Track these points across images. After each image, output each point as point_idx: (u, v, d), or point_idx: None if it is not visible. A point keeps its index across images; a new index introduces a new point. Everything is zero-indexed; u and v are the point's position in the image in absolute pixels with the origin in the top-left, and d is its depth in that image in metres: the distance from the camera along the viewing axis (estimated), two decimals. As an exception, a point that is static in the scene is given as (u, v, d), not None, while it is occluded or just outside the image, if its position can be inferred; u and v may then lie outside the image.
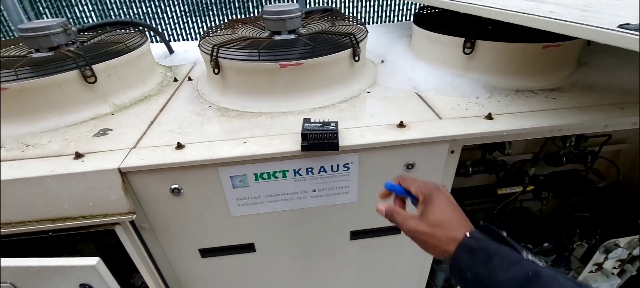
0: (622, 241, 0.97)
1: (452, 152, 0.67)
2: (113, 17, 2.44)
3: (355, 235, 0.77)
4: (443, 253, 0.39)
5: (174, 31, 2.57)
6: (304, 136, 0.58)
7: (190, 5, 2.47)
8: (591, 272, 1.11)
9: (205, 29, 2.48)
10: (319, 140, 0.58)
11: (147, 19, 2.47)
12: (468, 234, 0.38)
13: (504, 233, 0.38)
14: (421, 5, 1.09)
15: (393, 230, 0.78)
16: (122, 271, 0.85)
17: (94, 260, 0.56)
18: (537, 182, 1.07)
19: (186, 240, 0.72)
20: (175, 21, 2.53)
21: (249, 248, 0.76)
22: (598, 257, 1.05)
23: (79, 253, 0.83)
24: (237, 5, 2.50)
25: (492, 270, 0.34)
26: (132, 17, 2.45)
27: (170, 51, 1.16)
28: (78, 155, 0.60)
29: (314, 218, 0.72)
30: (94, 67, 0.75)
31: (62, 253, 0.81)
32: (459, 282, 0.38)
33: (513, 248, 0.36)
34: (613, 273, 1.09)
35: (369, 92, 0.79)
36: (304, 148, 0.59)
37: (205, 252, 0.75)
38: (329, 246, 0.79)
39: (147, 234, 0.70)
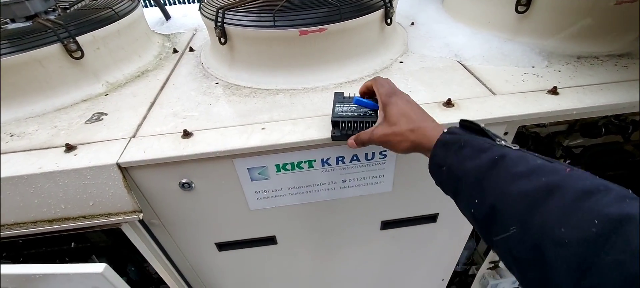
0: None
1: (506, 133, 0.57)
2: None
3: (387, 225, 0.70)
4: (410, 145, 0.40)
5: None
6: (336, 124, 0.48)
7: None
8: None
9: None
10: (355, 129, 0.48)
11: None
12: (445, 130, 0.38)
13: (483, 126, 0.36)
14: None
15: (428, 219, 0.70)
16: (137, 255, 0.81)
17: (101, 267, 0.49)
18: (571, 154, 0.98)
19: (201, 235, 0.66)
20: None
21: (270, 240, 0.69)
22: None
23: (87, 240, 0.78)
24: None
25: (462, 159, 0.34)
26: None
27: (167, 17, 1.02)
28: (69, 148, 0.51)
29: (342, 209, 0.65)
30: (79, 39, 0.63)
31: (70, 242, 0.75)
32: (437, 180, 0.38)
33: (489, 137, 0.35)
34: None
35: (402, 62, 0.68)
36: (335, 138, 0.49)
37: (223, 246, 0.69)
38: (356, 237, 0.73)
39: (157, 230, 0.63)
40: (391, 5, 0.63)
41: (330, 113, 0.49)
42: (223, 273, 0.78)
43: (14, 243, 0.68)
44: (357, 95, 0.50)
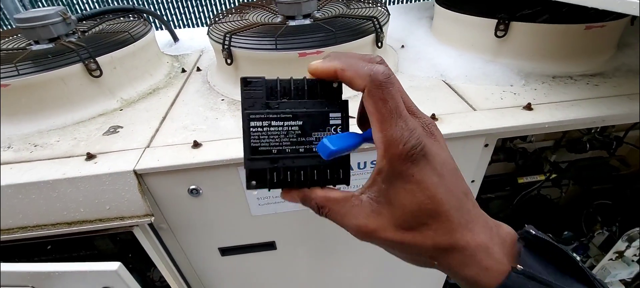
0: (650, 230, 0.94)
1: (486, 145, 0.62)
2: (110, 3, 2.35)
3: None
4: (434, 266, 0.22)
5: (174, 17, 2.47)
6: (256, 174, 0.25)
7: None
8: (611, 259, 1.09)
9: (208, 15, 2.39)
10: (298, 177, 0.26)
11: (147, 5, 2.38)
12: (519, 267, 0.20)
13: (563, 247, 0.22)
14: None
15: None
16: (140, 263, 0.84)
17: (115, 265, 0.53)
18: (558, 169, 1.03)
19: (206, 239, 0.70)
20: (175, 6, 2.42)
21: (269, 246, 0.73)
22: (620, 245, 1.02)
23: (95, 248, 0.82)
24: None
25: None
26: (130, 2, 2.35)
27: (175, 39, 1.10)
28: (90, 156, 0.56)
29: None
30: (98, 59, 0.70)
31: (79, 249, 0.79)
32: None
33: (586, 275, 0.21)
34: (633, 261, 1.07)
35: (392, 81, 0.74)
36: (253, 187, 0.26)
37: (226, 251, 0.73)
38: (352, 242, 0.77)
39: (165, 234, 0.68)
40: (381, 30, 0.70)
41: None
42: (225, 278, 0.81)
43: (23, 250, 0.72)
44: (309, 76, 0.24)
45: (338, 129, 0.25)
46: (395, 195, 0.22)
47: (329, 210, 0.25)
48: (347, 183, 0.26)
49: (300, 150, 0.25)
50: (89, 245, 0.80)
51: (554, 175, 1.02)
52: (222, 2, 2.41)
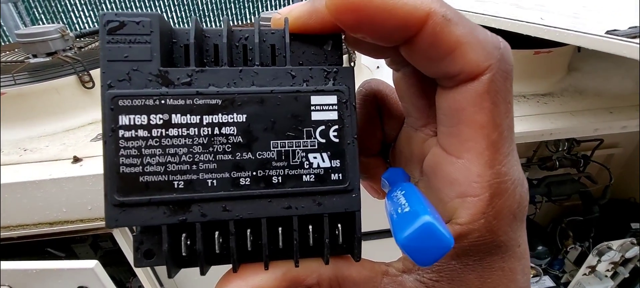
0: (615, 244, 0.99)
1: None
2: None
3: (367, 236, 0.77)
4: None
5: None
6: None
7: (189, 9, 2.48)
8: (585, 274, 1.12)
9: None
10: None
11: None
12: None
13: None
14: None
15: (386, 233, 0.79)
16: (120, 273, 0.85)
17: (92, 263, 0.56)
18: (531, 185, 1.09)
19: (183, 244, 0.72)
20: (174, 23, 2.54)
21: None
22: (591, 259, 1.06)
23: (76, 256, 0.83)
24: (235, 10, 2.52)
25: None
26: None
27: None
28: (76, 160, 0.60)
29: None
30: (92, 72, 0.75)
31: (59, 257, 0.81)
32: None
33: None
34: (606, 276, 1.10)
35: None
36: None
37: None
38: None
39: (144, 238, 0.70)
40: (354, 52, 0.77)
41: None
42: (204, 285, 0.83)
43: (4, 251, 0.73)
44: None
45: (332, 133, 0.13)
46: (481, 282, 0.13)
47: None
48: (356, 259, 0.14)
49: (243, 181, 0.12)
50: (69, 252, 0.82)
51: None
52: (219, 19, 2.53)
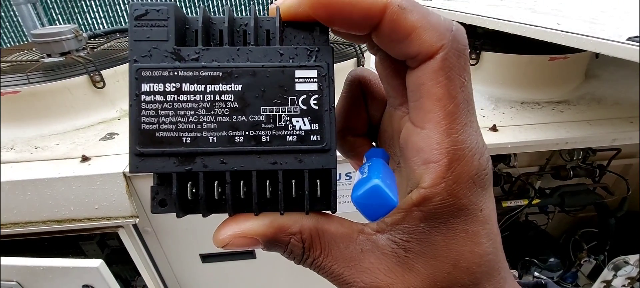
0: (632, 258, 0.94)
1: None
2: (122, 24, 2.51)
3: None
4: None
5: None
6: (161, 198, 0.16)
7: (203, 2, 2.52)
8: (600, 289, 1.08)
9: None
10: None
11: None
12: None
13: None
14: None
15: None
16: (125, 272, 0.86)
17: (97, 262, 0.56)
18: (544, 195, 1.06)
19: (188, 244, 0.73)
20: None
21: (249, 254, 0.76)
22: (606, 273, 1.02)
23: (83, 254, 0.84)
24: (241, 5, 2.55)
25: None
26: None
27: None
28: (85, 159, 0.61)
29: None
30: (103, 72, 0.76)
31: (67, 253, 0.82)
32: None
33: None
34: (622, 291, 1.06)
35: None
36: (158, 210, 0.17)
37: (206, 257, 0.75)
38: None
39: (149, 238, 0.71)
40: (363, 55, 0.76)
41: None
42: (205, 286, 0.82)
43: (13, 247, 0.75)
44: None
45: (313, 101, 0.15)
46: (446, 242, 0.14)
47: (321, 253, 0.15)
48: (332, 210, 0.16)
49: (237, 139, 0.15)
50: (76, 251, 0.83)
51: (536, 200, 1.04)
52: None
